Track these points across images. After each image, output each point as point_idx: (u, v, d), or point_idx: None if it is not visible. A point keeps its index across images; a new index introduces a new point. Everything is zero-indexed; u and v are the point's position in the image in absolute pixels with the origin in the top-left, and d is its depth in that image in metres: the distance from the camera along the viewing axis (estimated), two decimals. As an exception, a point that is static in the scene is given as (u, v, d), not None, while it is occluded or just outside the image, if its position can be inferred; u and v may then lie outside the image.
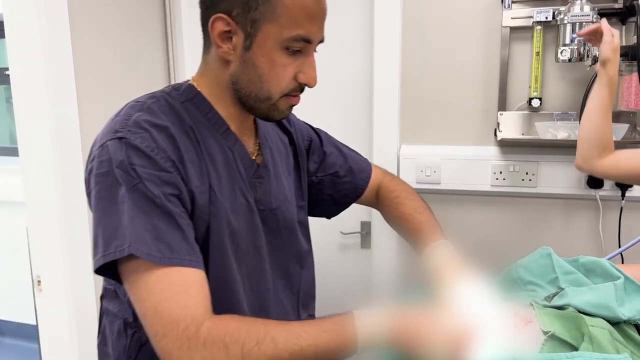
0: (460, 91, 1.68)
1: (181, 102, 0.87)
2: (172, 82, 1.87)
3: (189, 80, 0.92)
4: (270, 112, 0.88)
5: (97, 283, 1.56)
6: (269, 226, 0.97)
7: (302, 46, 0.83)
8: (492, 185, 1.66)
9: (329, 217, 1.22)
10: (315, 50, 0.88)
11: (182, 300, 0.73)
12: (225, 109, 0.90)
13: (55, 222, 1.44)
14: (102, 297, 0.97)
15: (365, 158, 1.22)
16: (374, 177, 1.19)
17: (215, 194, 0.84)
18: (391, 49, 1.70)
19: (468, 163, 1.68)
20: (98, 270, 0.77)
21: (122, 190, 0.75)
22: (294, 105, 0.89)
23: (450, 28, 1.66)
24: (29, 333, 2.82)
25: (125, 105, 0.85)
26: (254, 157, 0.94)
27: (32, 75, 1.39)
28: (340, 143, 1.20)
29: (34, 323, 1.57)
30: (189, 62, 1.89)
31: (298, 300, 1.05)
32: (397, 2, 1.67)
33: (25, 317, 2.92)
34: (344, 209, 1.20)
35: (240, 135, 0.93)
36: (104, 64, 1.60)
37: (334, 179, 1.14)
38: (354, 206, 1.20)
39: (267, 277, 0.95)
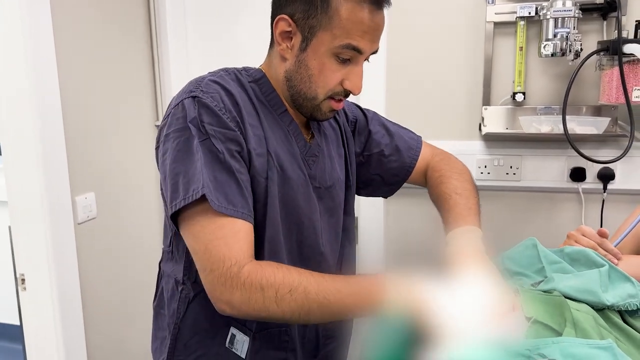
0: (444, 86, 1.69)
1: (249, 81, 0.97)
2: (158, 80, 1.89)
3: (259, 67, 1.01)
4: (314, 111, 0.96)
5: (82, 281, 1.55)
6: (325, 204, 1.03)
7: (352, 55, 0.90)
8: (477, 179, 1.65)
9: (385, 197, 1.25)
10: (367, 60, 0.94)
11: (230, 243, 0.82)
12: (283, 98, 0.98)
13: (40, 220, 1.42)
14: (160, 262, 1.06)
15: (417, 136, 1.21)
16: (423, 156, 1.18)
17: (273, 160, 0.92)
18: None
19: (453, 157, 1.69)
20: (174, 214, 0.86)
21: (196, 142, 0.85)
22: (336, 109, 0.97)
23: (434, 23, 1.67)
24: (12, 334, 2.77)
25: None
26: (307, 140, 1.02)
27: (15, 73, 1.37)
28: (389, 121, 1.21)
29: (17, 323, 1.55)
30: (173, 59, 1.88)
31: None
32: (382, -2, 1.67)
33: (7, 318, 2.88)
34: (397, 188, 1.22)
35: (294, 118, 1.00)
36: (87, 63, 1.59)
37: (380, 158, 1.17)
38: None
39: (320, 251, 1.02)
